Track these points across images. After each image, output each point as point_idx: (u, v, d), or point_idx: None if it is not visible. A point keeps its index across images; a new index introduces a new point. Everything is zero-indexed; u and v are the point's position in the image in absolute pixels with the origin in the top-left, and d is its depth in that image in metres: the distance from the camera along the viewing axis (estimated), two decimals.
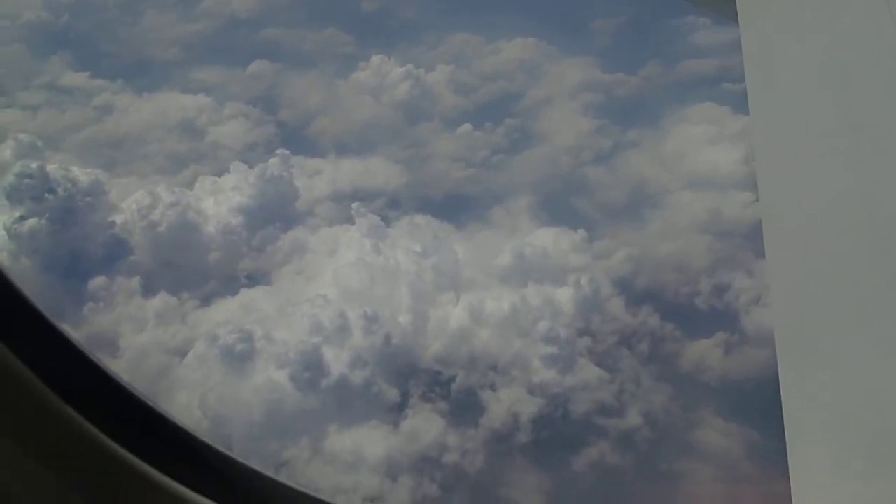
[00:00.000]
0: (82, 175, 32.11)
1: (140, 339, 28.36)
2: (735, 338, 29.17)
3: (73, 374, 1.99)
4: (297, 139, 39.97)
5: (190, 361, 26.94)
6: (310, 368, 25.35)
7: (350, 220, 33.31)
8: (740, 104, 42.15)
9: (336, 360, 25.77)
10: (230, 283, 31.27)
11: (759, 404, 27.15)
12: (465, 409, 26.73)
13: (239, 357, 25.76)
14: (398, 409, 26.41)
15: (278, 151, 35.50)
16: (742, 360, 28.74)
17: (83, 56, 46.53)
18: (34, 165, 31.42)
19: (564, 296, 29.43)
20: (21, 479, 1.88)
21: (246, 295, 29.92)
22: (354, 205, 33.16)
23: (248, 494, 2.27)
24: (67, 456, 1.92)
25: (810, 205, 3.10)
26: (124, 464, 1.99)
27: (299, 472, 23.96)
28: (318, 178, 36.72)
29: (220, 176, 35.12)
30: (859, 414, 2.72)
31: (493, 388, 27.08)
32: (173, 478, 2.04)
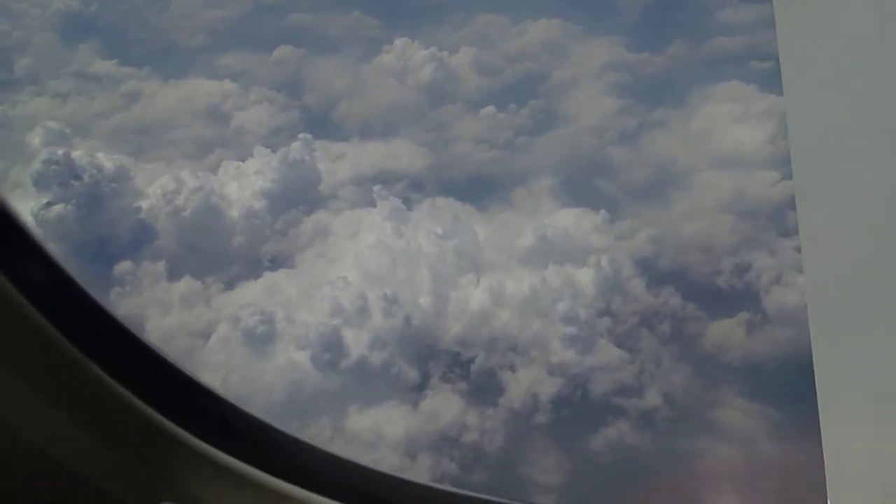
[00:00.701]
0: (108, 161, 32.72)
1: (166, 322, 28.91)
2: (758, 318, 28.88)
3: (93, 326, 2.07)
4: (321, 123, 40.23)
5: (214, 344, 27.42)
6: (330, 350, 25.67)
7: (372, 203, 33.50)
8: (768, 82, 41.67)
9: (356, 342, 26.06)
10: (254, 267, 31.69)
11: (781, 384, 26.97)
12: (484, 389, 26.88)
13: (260, 339, 26.17)
14: (418, 390, 26.64)
15: (300, 135, 35.82)
16: (765, 340, 28.50)
17: (111, 43, 47.18)
18: (60, 152, 32.13)
19: (585, 277, 29.38)
20: (30, 414, 1.96)
21: (269, 278, 30.31)
22: (376, 188, 33.38)
23: (273, 454, 2.31)
24: (74, 394, 2.01)
25: (846, 181, 3.09)
26: (136, 411, 2.06)
27: None
28: (341, 162, 36.96)
29: (243, 161, 35.52)
30: None
31: (512, 368, 27.18)
32: (190, 432, 2.12)
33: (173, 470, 2.12)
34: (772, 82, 42.80)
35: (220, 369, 26.19)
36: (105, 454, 2.07)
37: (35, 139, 36.33)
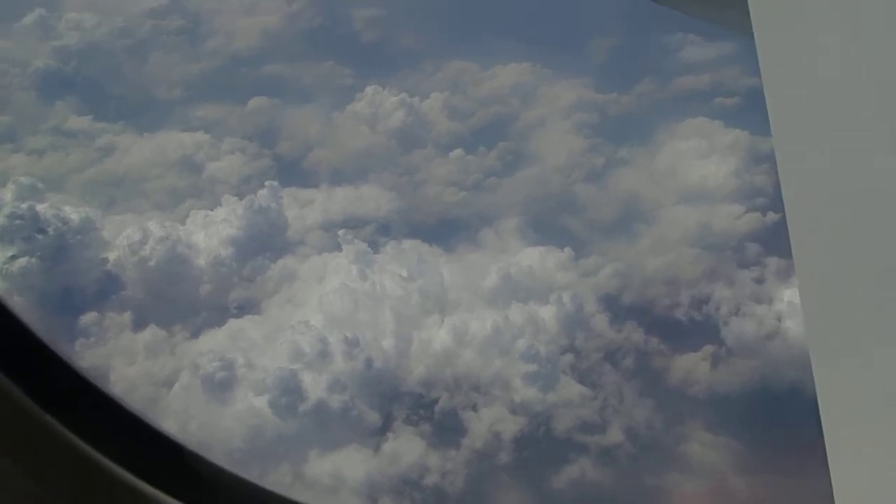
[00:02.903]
0: (74, 214, 33.02)
1: (129, 371, 28.88)
2: (722, 350, 28.86)
3: (59, 385, 2.04)
4: (292, 171, 40.68)
5: (176, 392, 27.34)
6: (288, 394, 25.61)
7: (339, 248, 33.70)
8: (732, 118, 42.18)
9: (314, 385, 25.99)
10: (220, 314, 31.74)
11: (746, 417, 26.84)
12: (447, 430, 26.75)
13: (220, 385, 26.13)
14: (380, 433, 26.50)
15: (267, 183, 36.16)
16: (729, 372, 28.45)
17: (89, 99, 47.92)
18: (24, 206, 32.41)
19: (547, 314, 29.43)
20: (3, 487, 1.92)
21: (233, 325, 30.36)
22: (341, 232, 33.62)
23: (231, 499, 2.29)
24: (48, 463, 1.96)
25: (837, 202, 3.18)
26: (106, 472, 2.00)
27: None
28: (310, 208, 37.26)
29: (212, 209, 35.82)
30: None
31: (474, 408, 27.09)
32: (159, 487, 2.09)
33: None
34: (736, 117, 43.44)
35: (180, 417, 26.10)
36: None
37: (7, 194, 36.64)
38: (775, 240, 31.71)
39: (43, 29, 55.46)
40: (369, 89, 45.61)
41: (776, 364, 27.51)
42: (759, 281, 29.64)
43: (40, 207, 33.00)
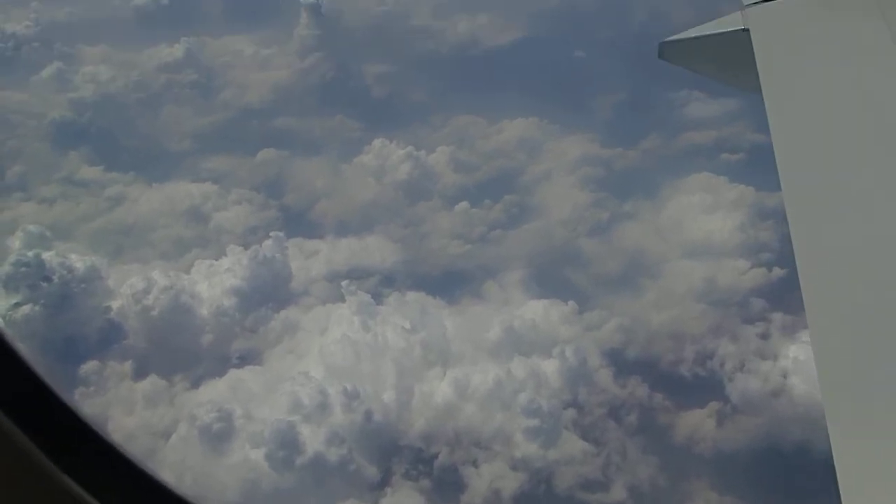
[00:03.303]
0: (79, 262, 33.19)
1: (128, 421, 28.66)
2: (727, 407, 28.41)
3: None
4: (298, 222, 40.89)
5: (173, 443, 27.06)
6: (285, 446, 25.28)
7: (342, 299, 33.64)
8: (737, 173, 42.25)
9: (312, 438, 25.68)
10: (222, 364, 31.60)
11: (753, 475, 26.28)
12: (446, 485, 26.30)
13: (217, 436, 25.85)
14: (378, 487, 26.08)
15: (272, 233, 36.32)
16: (736, 430, 27.95)
17: (102, 150, 48.59)
18: (30, 254, 32.62)
19: (550, 368, 29.13)
20: None
21: (234, 375, 30.17)
22: (345, 283, 33.59)
23: None
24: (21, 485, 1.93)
25: (848, 255, 3.18)
26: None
27: None
28: (314, 259, 37.33)
29: (217, 259, 35.94)
30: None
31: (475, 463, 26.66)
32: None
33: None
34: (741, 173, 43.51)
35: (176, 468, 25.78)
36: None
37: (16, 242, 36.95)
38: (780, 295, 31.47)
39: (60, 81, 56.67)
40: (377, 142, 46.11)
41: (782, 422, 27.03)
42: (764, 336, 29.32)
43: (46, 255, 33.21)
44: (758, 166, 42.89)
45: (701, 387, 28.70)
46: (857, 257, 3.16)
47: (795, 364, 26.67)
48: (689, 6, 60.91)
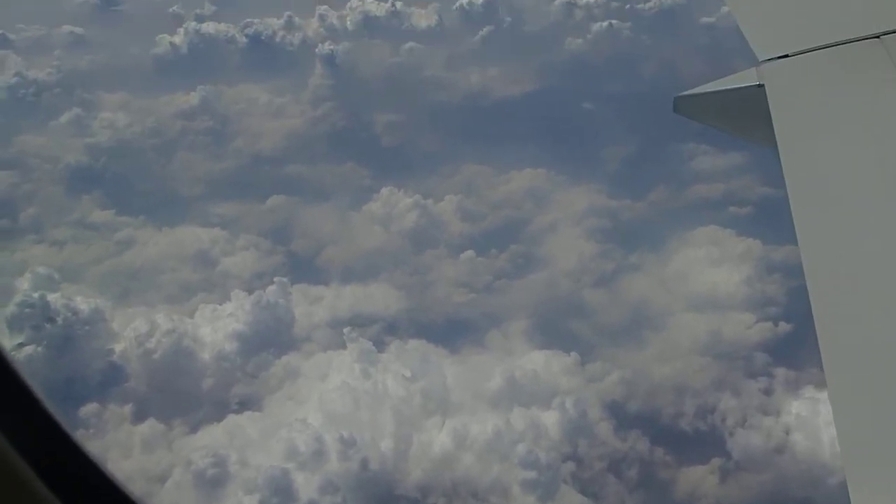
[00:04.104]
0: (84, 304, 33.41)
1: (125, 465, 28.49)
2: (730, 464, 27.93)
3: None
4: (304, 268, 41.07)
5: (168, 488, 26.88)
6: (278, 493, 25.04)
7: (344, 346, 33.60)
8: (745, 226, 42.18)
9: (306, 485, 25.42)
10: (221, 409, 31.49)
11: None
12: None
13: (211, 482, 25.64)
14: None
15: (276, 279, 36.48)
16: (738, 487, 27.43)
17: (114, 194, 49.24)
18: (36, 295, 32.90)
19: (550, 419, 28.83)
20: None
21: (232, 420, 30.05)
22: (346, 329, 33.57)
23: None
24: None
25: (866, 310, 3.23)
26: None
27: None
28: (318, 305, 37.39)
29: (221, 304, 36.08)
30: None
31: None
32: None
33: None
34: (749, 226, 43.43)
35: None
36: None
37: (24, 284, 37.30)
38: (785, 350, 31.13)
39: (78, 127, 57.79)
40: (385, 190, 46.49)
41: (785, 479, 26.53)
42: (768, 392, 28.94)
43: (51, 297, 33.49)
44: (766, 220, 42.88)
45: (702, 442, 28.27)
46: (877, 313, 3.17)
47: (798, 420, 26.27)
48: (695, 60, 61.70)
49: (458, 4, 73.82)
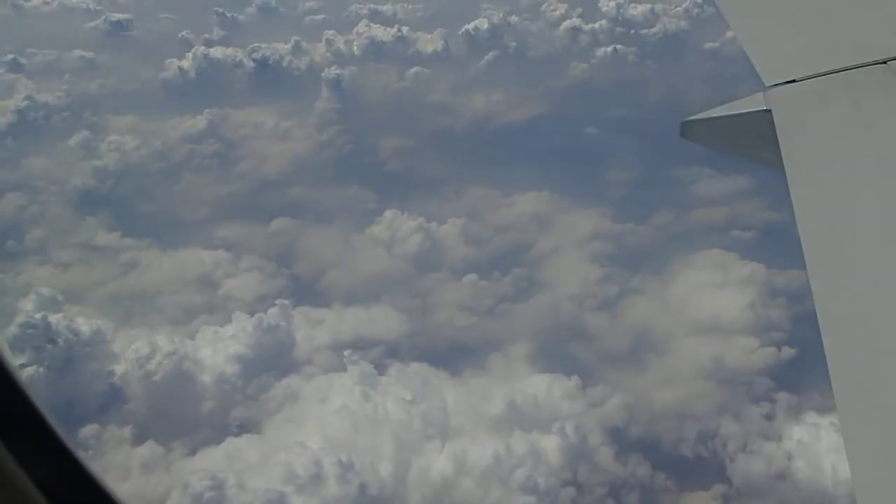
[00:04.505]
0: (85, 326, 33.48)
1: (122, 488, 28.35)
2: (731, 490, 27.63)
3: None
4: (307, 290, 41.09)
5: None
6: None
7: (344, 368, 33.52)
8: (749, 250, 42.03)
9: None
10: (220, 432, 31.39)
11: None
12: None
13: None
14: None
15: (278, 301, 36.50)
16: None
17: (120, 216, 49.50)
18: (38, 316, 33.00)
19: (550, 444, 28.61)
20: None
21: (231, 443, 29.94)
22: (347, 352, 33.52)
23: None
24: None
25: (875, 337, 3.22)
26: None
27: None
28: (320, 328, 37.34)
29: (222, 326, 36.09)
30: None
31: None
32: None
33: None
34: (753, 251, 43.29)
35: None
36: None
37: (28, 304, 37.44)
38: (788, 374, 30.89)
39: (86, 149, 58.31)
40: (388, 213, 46.58)
41: None
42: (770, 417, 28.67)
43: (53, 318, 33.57)
44: (769, 244, 42.79)
45: (704, 467, 27.99)
46: (889, 337, 3.14)
47: (800, 446, 26.00)
48: (698, 85, 61.93)
49: (463, 29, 74.54)
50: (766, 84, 4.96)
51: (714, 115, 5.28)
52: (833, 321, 3.16)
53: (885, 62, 4.65)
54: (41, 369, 31.53)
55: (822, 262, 3.46)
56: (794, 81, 4.87)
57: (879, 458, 2.70)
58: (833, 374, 2.93)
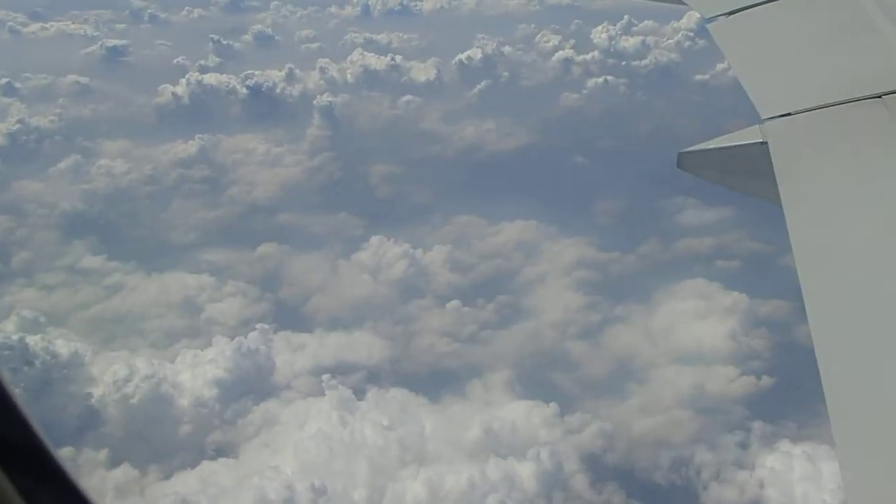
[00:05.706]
0: (64, 348, 33.41)
1: None
2: None
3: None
4: (290, 315, 41.06)
5: None
6: None
7: (323, 393, 33.41)
8: (732, 280, 42.09)
9: None
10: (196, 456, 31.21)
11: None
12: None
13: None
14: None
15: (257, 325, 36.46)
16: None
17: (107, 240, 49.60)
18: (15, 337, 32.95)
19: (525, 471, 28.46)
20: None
21: (206, 467, 29.75)
22: (325, 377, 33.45)
23: None
24: None
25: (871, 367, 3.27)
26: None
27: None
28: (300, 353, 37.28)
29: (203, 349, 36.02)
30: None
31: None
32: None
33: None
34: (736, 280, 43.37)
35: None
36: None
37: (9, 326, 37.39)
38: (765, 403, 30.84)
39: (76, 173, 58.57)
40: (375, 239, 46.69)
41: None
42: (744, 446, 28.58)
43: (31, 339, 33.52)
44: (752, 274, 42.90)
45: (678, 496, 27.84)
46: (886, 369, 3.18)
47: (772, 474, 25.89)
48: (688, 116, 62.48)
49: (457, 59, 75.34)
50: (763, 117, 5.01)
51: (711, 146, 5.33)
52: (829, 351, 3.20)
53: (879, 97, 4.69)
54: (17, 391, 31.25)
55: (819, 294, 3.50)
56: (789, 115, 4.93)
57: (870, 463, 2.72)
58: (830, 405, 2.93)
